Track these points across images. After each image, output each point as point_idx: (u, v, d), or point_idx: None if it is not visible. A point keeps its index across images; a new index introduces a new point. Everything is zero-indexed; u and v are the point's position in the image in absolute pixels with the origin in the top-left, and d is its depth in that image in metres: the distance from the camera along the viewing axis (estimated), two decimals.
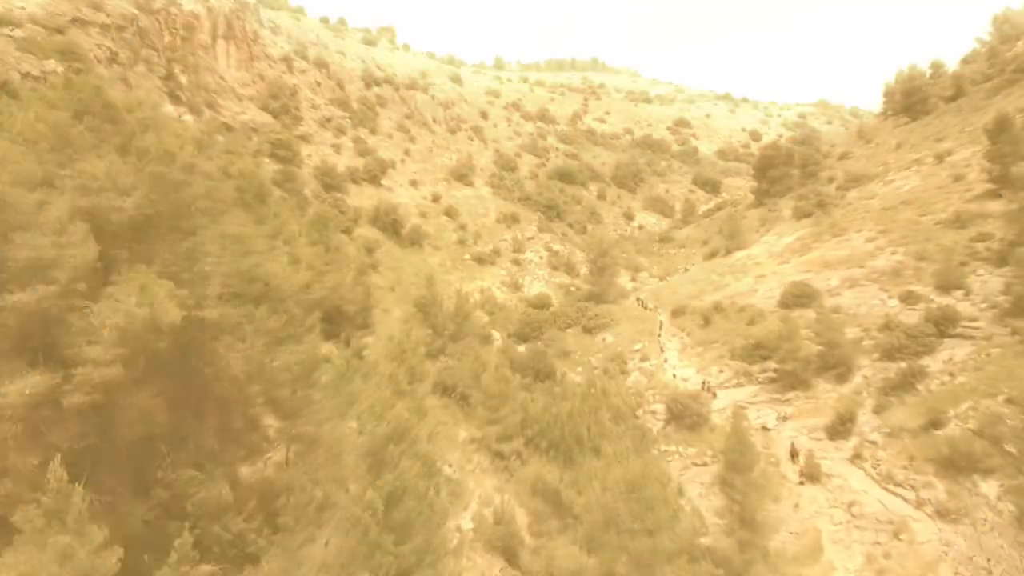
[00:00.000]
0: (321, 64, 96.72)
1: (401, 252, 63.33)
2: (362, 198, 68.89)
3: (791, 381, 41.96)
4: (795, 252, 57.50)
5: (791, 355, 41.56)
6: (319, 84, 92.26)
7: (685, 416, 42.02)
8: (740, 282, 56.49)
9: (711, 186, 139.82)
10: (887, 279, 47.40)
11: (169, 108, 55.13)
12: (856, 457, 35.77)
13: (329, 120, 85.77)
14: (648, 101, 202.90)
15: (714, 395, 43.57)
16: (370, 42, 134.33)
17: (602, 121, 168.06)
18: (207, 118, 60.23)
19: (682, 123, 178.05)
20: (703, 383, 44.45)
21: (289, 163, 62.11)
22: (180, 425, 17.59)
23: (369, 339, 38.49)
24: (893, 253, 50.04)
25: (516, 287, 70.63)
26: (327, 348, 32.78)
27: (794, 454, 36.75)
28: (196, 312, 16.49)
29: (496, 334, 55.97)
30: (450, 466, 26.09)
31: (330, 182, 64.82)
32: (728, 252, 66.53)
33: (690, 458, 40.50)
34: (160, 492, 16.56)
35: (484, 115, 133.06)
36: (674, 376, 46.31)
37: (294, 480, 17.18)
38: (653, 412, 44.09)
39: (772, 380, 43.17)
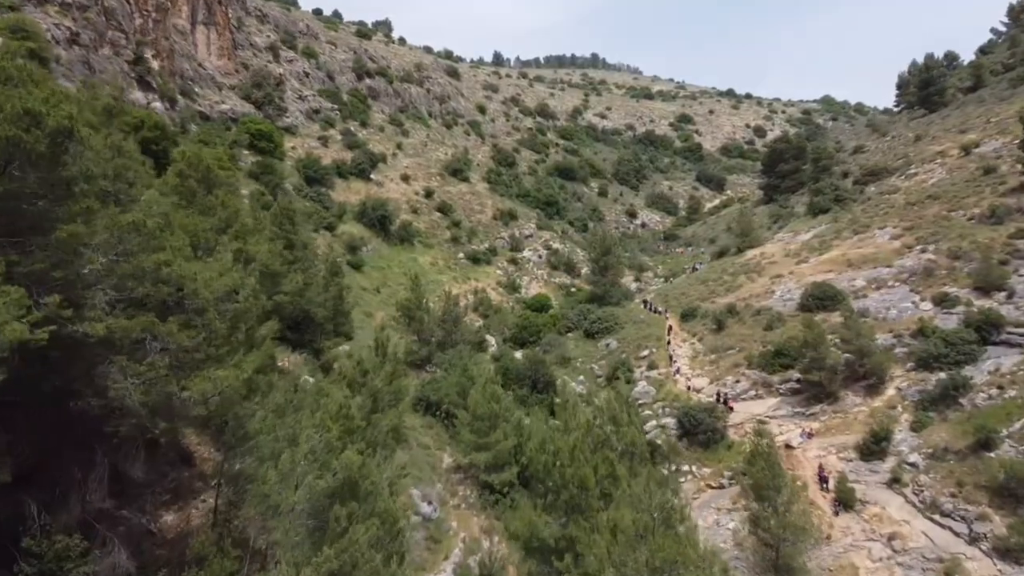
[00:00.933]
0: (310, 54, 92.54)
1: (389, 250, 59.18)
2: (349, 193, 64.73)
3: (816, 393, 37.88)
4: (813, 250, 53.40)
5: (816, 364, 37.47)
6: (307, 75, 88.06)
7: (699, 431, 37.96)
8: (755, 283, 52.40)
9: (715, 183, 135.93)
10: (918, 280, 43.33)
11: (138, 95, 50.99)
12: (894, 481, 31.65)
13: (317, 112, 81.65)
14: (650, 97, 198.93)
15: (730, 408, 39.45)
16: (364, 35, 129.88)
17: (603, 117, 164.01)
18: (181, 106, 56.07)
19: (685, 119, 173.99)
20: (718, 394, 40.34)
21: (270, 155, 57.94)
22: (60, 477, 13.49)
23: (347, 346, 34.42)
24: (923, 251, 45.96)
25: (513, 288, 66.49)
26: (292, 359, 28.77)
27: (823, 477, 32.62)
28: (75, 326, 12.36)
29: (491, 339, 51.87)
30: (430, 503, 22.00)
31: (313, 175, 60.56)
32: (739, 250, 62.41)
33: (705, 479, 36.45)
34: (26, 567, 12.42)
35: (481, 109, 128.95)
36: (688, 388, 42.15)
37: (208, 546, 13.06)
38: (663, 426, 39.98)
39: (795, 391, 39.10)
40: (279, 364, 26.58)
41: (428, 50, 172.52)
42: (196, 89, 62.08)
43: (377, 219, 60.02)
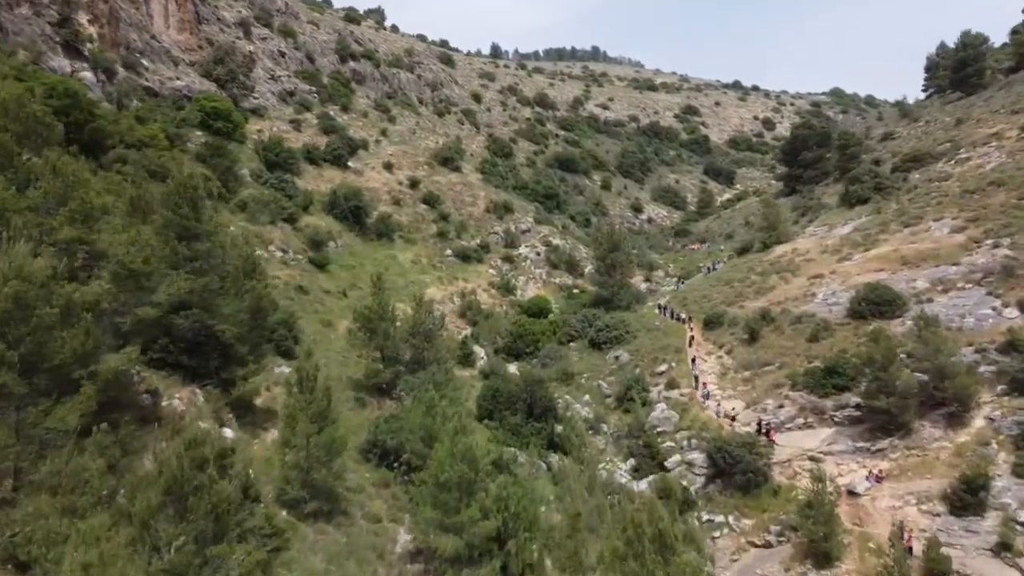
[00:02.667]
0: (288, 33, 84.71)
1: (364, 246, 51.39)
2: (320, 181, 56.95)
3: (883, 423, 30.25)
4: (857, 246, 45.79)
5: (883, 386, 29.81)
6: (283, 54, 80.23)
7: (736, 471, 30.37)
8: (789, 284, 44.81)
9: (725, 176, 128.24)
10: (997, 280, 35.73)
11: (61, 61, 43.25)
12: (1003, 548, 24.13)
13: (292, 94, 73.84)
14: (653, 88, 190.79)
15: (772, 440, 31.82)
16: (353, 19, 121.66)
17: (605, 107, 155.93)
18: (120, 79, 48.27)
19: (690, 111, 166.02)
20: (758, 423, 32.68)
21: (227, 136, 50.22)
22: None
23: (286, 368, 26.70)
24: (996, 246, 38.36)
25: (507, 289, 58.72)
26: (188, 396, 21.06)
27: (909, 542, 24.96)
28: None
29: (480, 350, 44.20)
30: None
31: (275, 159, 52.63)
32: (765, 246, 54.70)
33: (746, 534, 28.81)
34: None
35: (477, 98, 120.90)
36: (730, 416, 34.35)
37: None
38: (689, 463, 32.35)
39: (854, 420, 31.48)
40: (165, 404, 18.91)
41: (422, 38, 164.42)
42: (145, 62, 54.26)
43: (350, 210, 52.17)
